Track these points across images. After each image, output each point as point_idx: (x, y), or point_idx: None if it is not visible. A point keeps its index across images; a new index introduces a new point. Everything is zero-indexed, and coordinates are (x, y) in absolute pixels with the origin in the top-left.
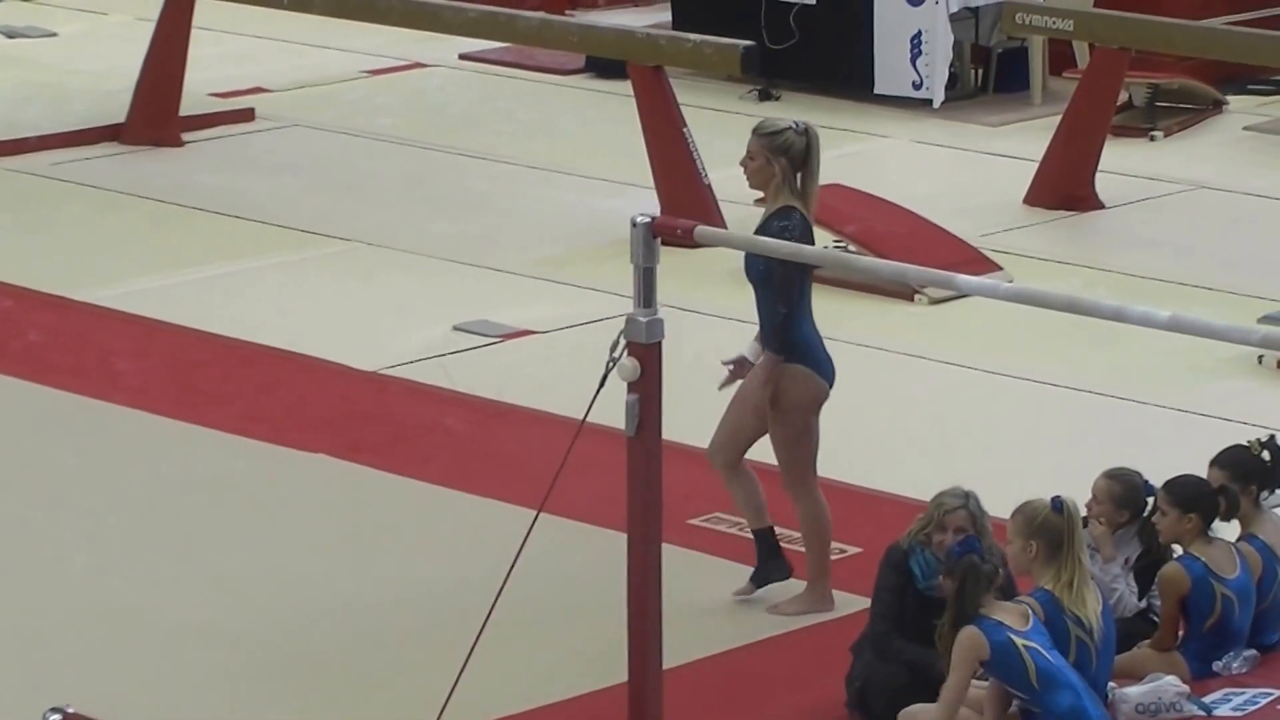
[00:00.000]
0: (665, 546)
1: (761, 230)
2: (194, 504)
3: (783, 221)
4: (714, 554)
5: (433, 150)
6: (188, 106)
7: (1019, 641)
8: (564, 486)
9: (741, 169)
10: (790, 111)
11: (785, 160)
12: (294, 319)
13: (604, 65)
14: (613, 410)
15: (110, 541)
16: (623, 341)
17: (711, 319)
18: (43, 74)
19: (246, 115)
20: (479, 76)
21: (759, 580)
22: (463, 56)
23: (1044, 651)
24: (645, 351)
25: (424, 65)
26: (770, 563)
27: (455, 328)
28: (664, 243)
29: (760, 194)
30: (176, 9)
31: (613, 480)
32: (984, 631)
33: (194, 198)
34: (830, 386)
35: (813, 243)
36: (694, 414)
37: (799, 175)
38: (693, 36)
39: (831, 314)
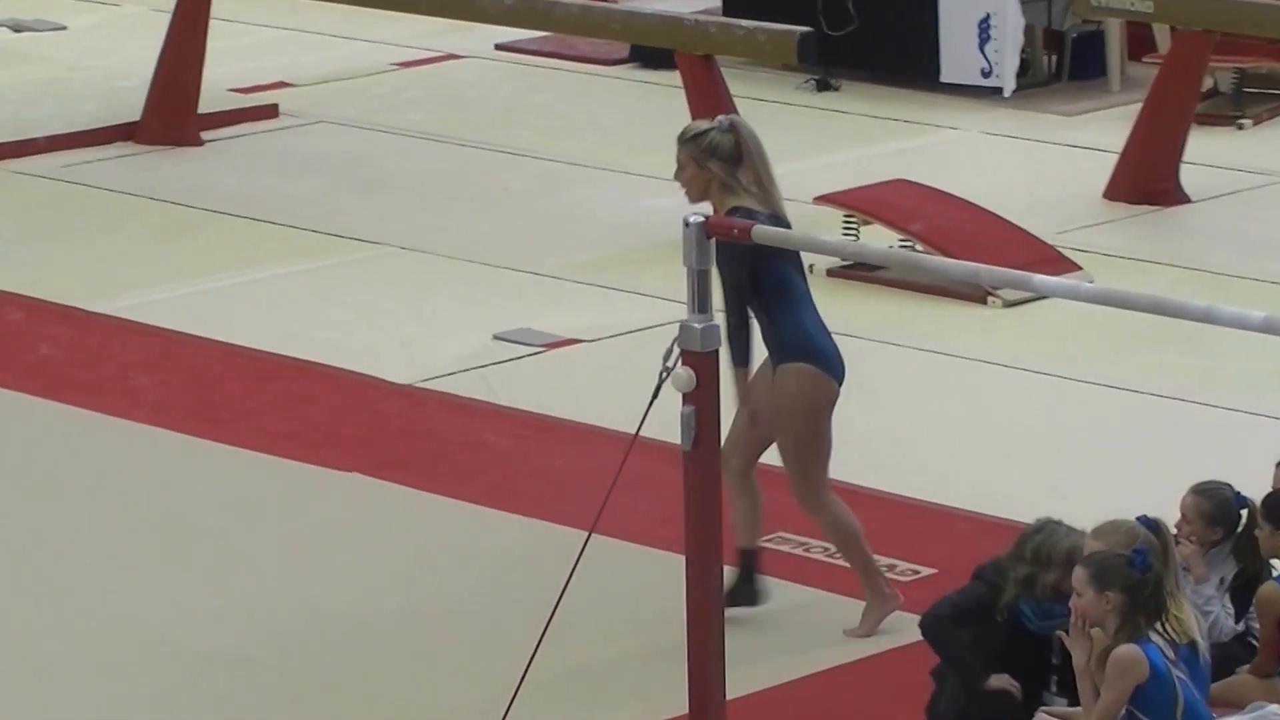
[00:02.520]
0: (725, 569)
1: (718, 253)
2: (219, 526)
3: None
4: (777, 576)
5: (467, 147)
6: (206, 103)
7: (1174, 671)
8: (616, 505)
9: (680, 185)
10: (851, 103)
11: (717, 161)
12: (322, 329)
13: (650, 55)
14: (667, 423)
15: (130, 565)
16: (676, 350)
17: None
18: (52, 70)
19: (269, 112)
20: (516, 68)
21: (729, 600)
22: (499, 47)
23: (1190, 684)
24: (701, 360)
25: (457, 57)
26: (745, 587)
27: (495, 337)
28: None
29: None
30: None
31: (668, 498)
32: (1147, 653)
33: (214, 200)
34: (839, 384)
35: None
36: None
37: (739, 172)
38: (745, 23)
39: (898, 318)
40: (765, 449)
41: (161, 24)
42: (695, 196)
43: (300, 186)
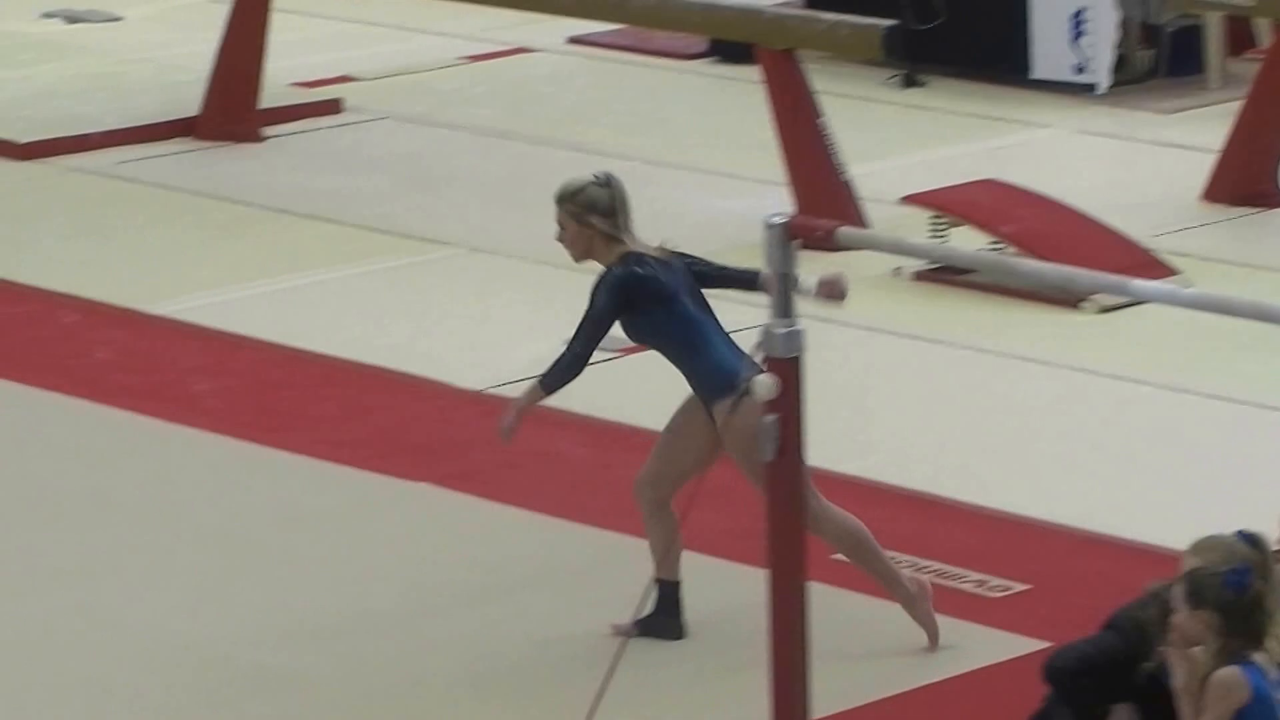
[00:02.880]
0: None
1: (598, 284)
2: (280, 538)
3: (621, 269)
4: (861, 591)
5: (538, 145)
6: (267, 98)
7: (1276, 696)
8: (694, 517)
9: (563, 245)
10: (938, 100)
11: (597, 216)
12: (388, 333)
13: (729, 49)
14: None
15: (187, 578)
16: (759, 355)
17: (854, 330)
18: (107, 63)
19: (332, 107)
20: (589, 62)
21: (642, 628)
22: (571, 40)
23: None
24: (785, 366)
25: (528, 50)
26: (663, 619)
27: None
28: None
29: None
30: None
31: (748, 510)
32: (1248, 676)
33: (274, 198)
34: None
35: (647, 274)
36: (835, 436)
37: (619, 223)
38: (828, 16)
39: (988, 323)
40: (687, 481)
41: (220, 16)
42: (579, 255)
43: (364, 184)
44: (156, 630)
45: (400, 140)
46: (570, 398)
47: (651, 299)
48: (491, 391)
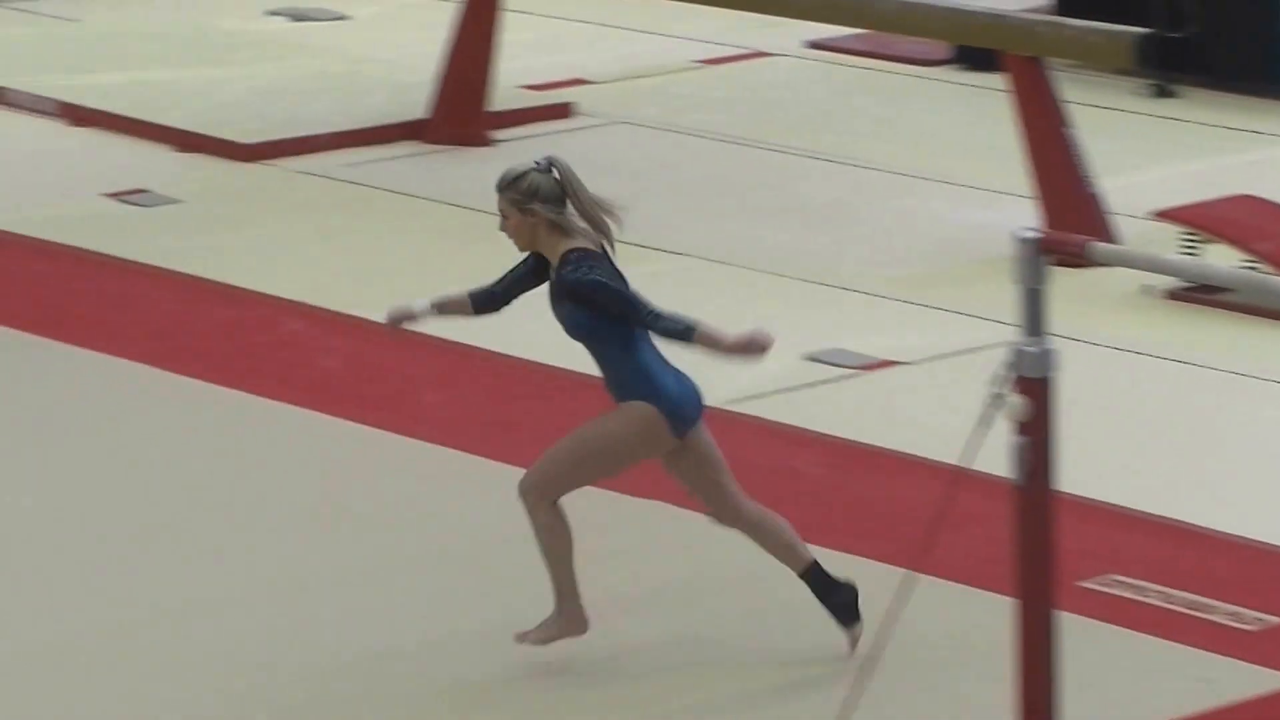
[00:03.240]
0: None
1: (554, 287)
2: (515, 554)
3: (576, 270)
4: (1109, 621)
5: (774, 151)
6: (496, 101)
7: None
8: (937, 542)
9: (506, 235)
10: (1192, 111)
11: (539, 204)
12: None
13: (975, 55)
14: (993, 453)
15: (435, 609)
16: (1009, 375)
17: (1105, 350)
18: (333, 62)
19: (561, 111)
20: (829, 67)
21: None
22: (810, 44)
23: None
24: (1036, 387)
25: (765, 54)
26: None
27: (805, 357)
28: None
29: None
30: None
31: (994, 535)
32: None
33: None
34: (688, 422)
35: (617, 272)
36: (1086, 459)
37: (565, 211)
38: (1076, 23)
39: (1245, 346)
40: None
41: (449, 15)
42: (523, 245)
43: (595, 191)
44: (389, 642)
45: (632, 146)
46: (808, 415)
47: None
48: (725, 407)
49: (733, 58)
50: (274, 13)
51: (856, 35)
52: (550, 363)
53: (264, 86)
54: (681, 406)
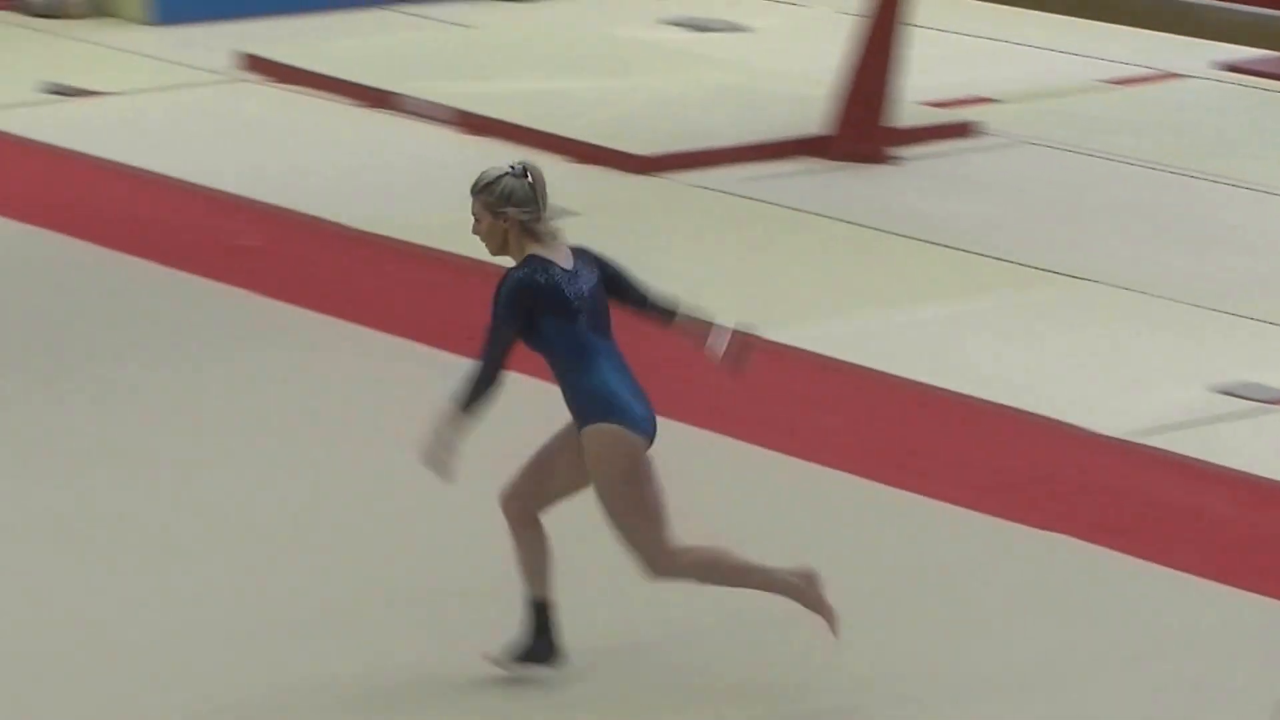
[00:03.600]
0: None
1: (497, 289)
2: (921, 585)
3: (517, 270)
4: None
5: (1182, 176)
6: (898, 117)
7: None
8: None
9: (479, 238)
10: None
11: (514, 208)
12: (1016, 370)
13: None
14: None
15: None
16: None
17: None
18: (733, 75)
19: (962, 129)
20: (1243, 90)
21: (519, 656)
22: (1222, 66)
23: None
24: None
25: (1176, 75)
26: (539, 641)
27: (1215, 389)
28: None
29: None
30: (888, 2)
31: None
32: None
33: (900, 223)
34: (649, 439)
35: (547, 284)
36: None
37: (537, 217)
38: None
39: None
40: (557, 503)
41: (851, 28)
42: (494, 249)
43: (997, 213)
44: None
45: (1037, 167)
46: (1219, 450)
47: (547, 309)
48: (1129, 439)
49: (1143, 78)
50: (672, 22)
51: (1274, 57)
52: (938, 385)
53: (661, 97)
54: (638, 420)
